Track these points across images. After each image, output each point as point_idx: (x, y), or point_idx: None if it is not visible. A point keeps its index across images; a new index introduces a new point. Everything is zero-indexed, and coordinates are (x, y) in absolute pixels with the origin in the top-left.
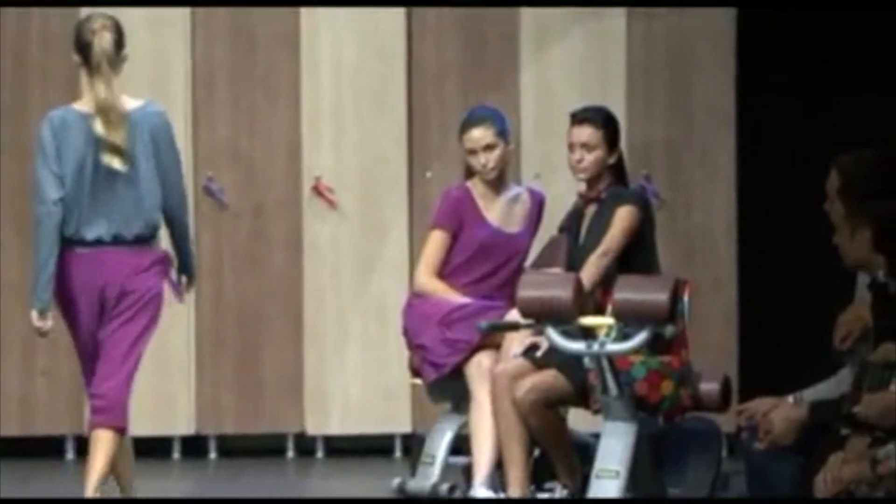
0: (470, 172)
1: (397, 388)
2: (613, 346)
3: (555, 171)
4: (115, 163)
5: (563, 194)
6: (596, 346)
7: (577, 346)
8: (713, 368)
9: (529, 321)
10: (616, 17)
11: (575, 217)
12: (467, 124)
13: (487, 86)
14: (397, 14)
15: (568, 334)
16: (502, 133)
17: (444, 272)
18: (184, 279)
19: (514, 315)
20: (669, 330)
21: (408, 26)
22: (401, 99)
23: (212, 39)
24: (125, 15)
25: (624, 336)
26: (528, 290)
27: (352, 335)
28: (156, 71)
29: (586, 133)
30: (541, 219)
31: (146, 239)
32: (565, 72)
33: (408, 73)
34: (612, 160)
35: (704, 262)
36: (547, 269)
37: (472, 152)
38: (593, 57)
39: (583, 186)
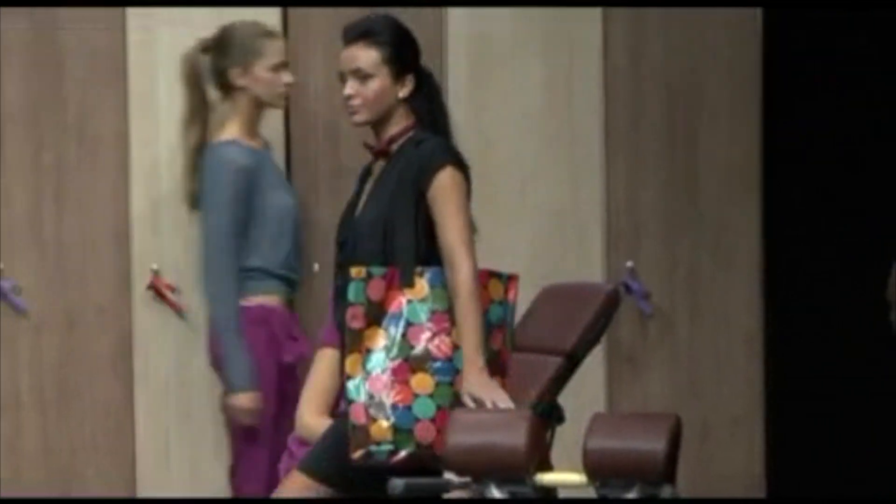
0: None
1: None
2: None
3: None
4: None
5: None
6: None
7: None
8: None
9: (464, 479)
10: (589, 21)
11: (362, 177)
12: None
13: None
14: (272, 14)
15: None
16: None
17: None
18: None
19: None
20: (668, 492)
21: (283, 21)
22: (277, 144)
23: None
24: None
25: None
26: (461, 434)
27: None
28: None
29: (360, 56)
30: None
31: None
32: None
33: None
34: (403, 93)
35: (716, 396)
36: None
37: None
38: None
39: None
